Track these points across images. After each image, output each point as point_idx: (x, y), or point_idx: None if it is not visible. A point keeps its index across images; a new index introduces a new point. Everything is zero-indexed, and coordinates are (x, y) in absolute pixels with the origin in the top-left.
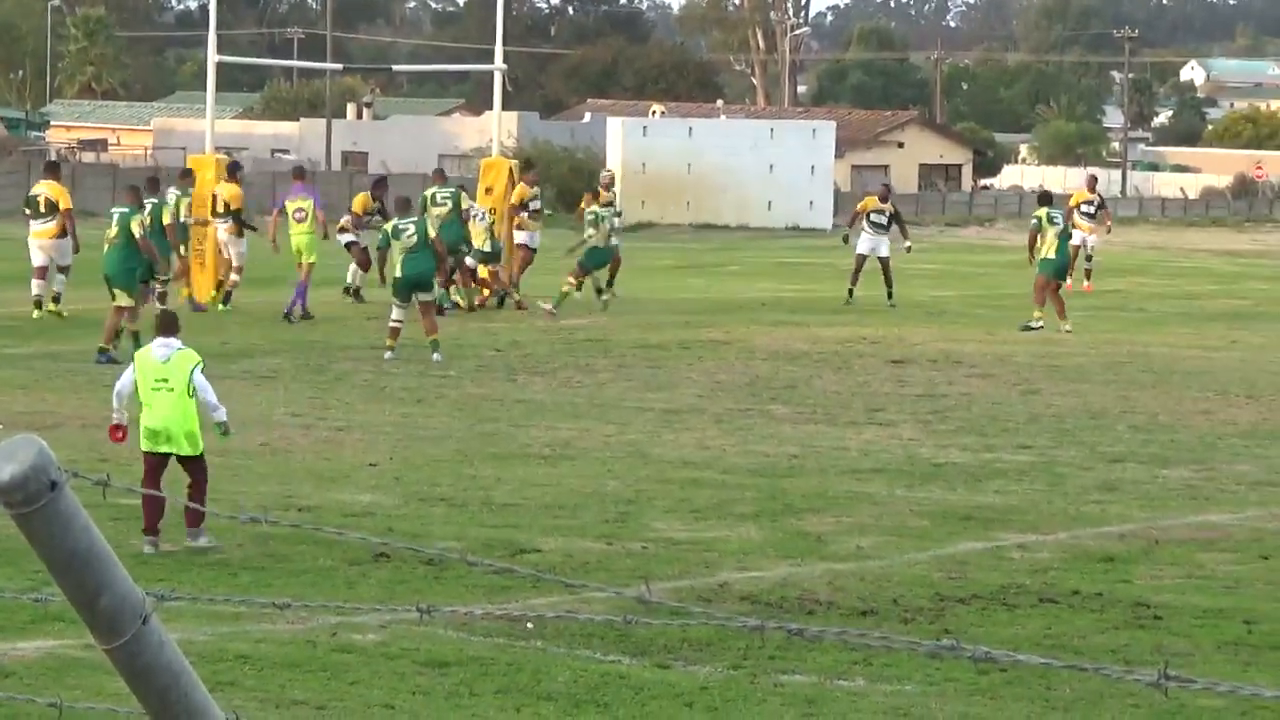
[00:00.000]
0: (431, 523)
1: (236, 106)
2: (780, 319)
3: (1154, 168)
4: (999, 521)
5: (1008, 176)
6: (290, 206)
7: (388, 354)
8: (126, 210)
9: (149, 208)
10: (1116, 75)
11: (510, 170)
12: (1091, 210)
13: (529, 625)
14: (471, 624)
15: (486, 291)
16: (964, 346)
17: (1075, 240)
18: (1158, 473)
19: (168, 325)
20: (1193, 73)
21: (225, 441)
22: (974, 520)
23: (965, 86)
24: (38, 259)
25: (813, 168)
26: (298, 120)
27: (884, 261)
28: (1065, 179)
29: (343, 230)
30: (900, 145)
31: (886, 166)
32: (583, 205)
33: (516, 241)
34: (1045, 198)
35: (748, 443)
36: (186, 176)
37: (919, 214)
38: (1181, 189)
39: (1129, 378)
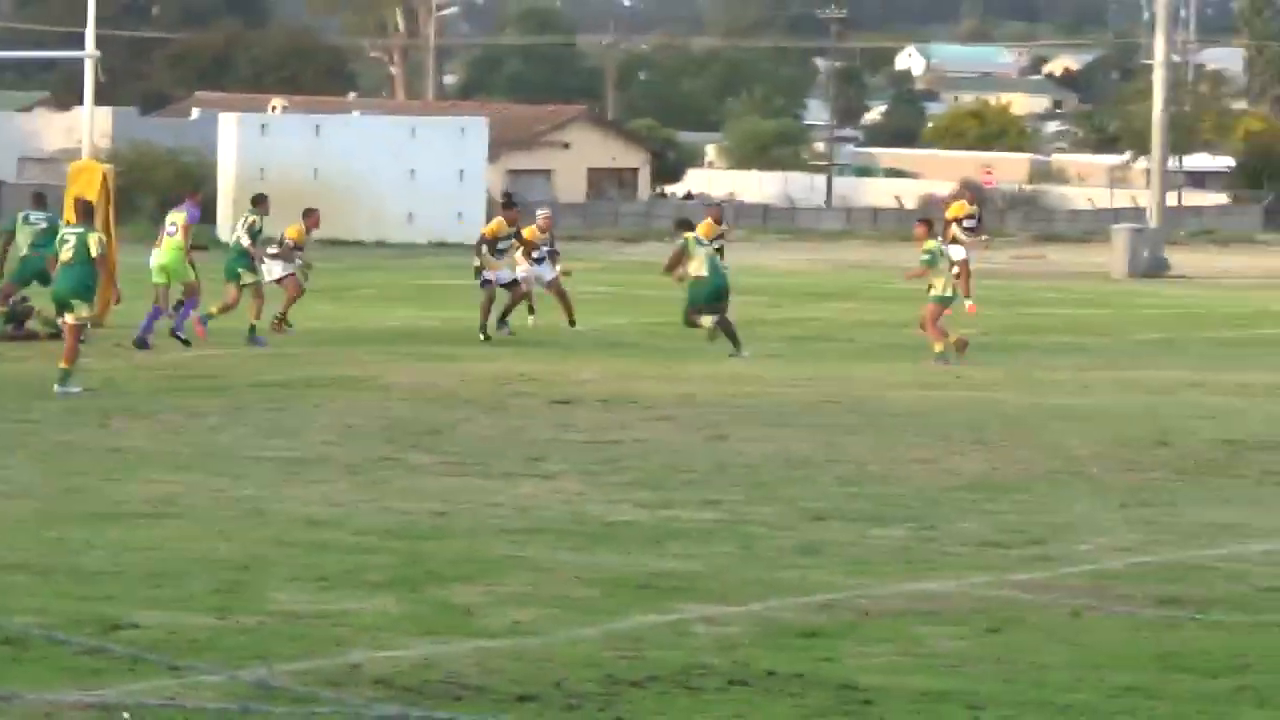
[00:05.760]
0: (10, 594)
1: None
2: (423, 351)
3: (865, 172)
4: (681, 590)
5: (692, 182)
6: None
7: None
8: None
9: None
10: (821, 63)
11: (104, 176)
12: (974, 225)
13: (125, 715)
14: (58, 713)
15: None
16: (640, 385)
17: (957, 255)
18: (867, 532)
19: None
20: (910, 60)
21: None
22: (651, 589)
23: (643, 77)
24: None
25: (461, 172)
26: None
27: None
28: (760, 185)
29: None
30: (566, 146)
31: (549, 171)
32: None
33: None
34: (685, 224)
35: (384, 498)
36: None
37: (587, 227)
38: (897, 198)
39: (834, 420)
